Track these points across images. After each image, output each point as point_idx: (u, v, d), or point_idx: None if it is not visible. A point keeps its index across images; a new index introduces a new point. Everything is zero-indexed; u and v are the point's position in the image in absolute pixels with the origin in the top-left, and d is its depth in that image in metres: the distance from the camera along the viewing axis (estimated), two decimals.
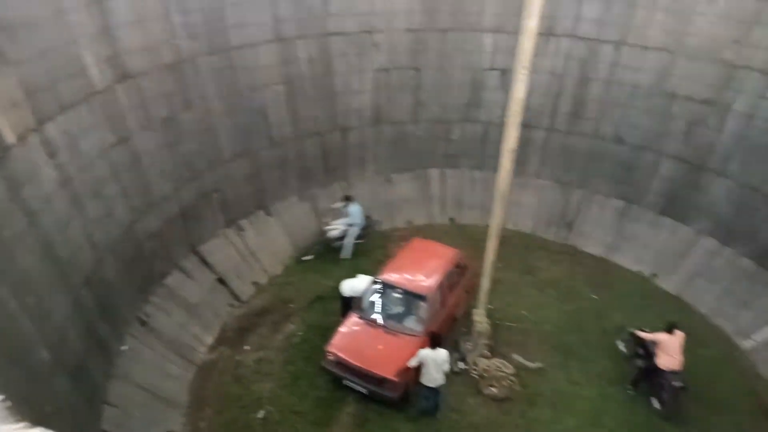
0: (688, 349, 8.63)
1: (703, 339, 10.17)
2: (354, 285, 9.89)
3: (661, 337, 8.61)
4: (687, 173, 11.58)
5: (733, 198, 10.92)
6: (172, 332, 9.48)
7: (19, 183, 6.65)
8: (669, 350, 8.51)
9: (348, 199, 12.30)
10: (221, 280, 10.87)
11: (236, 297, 10.95)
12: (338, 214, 12.41)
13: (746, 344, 10.16)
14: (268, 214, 12.39)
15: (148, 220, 9.58)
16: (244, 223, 11.90)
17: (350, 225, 12.21)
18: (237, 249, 11.48)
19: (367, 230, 12.56)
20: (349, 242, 12.24)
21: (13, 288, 6.03)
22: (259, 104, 11.47)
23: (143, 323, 9.12)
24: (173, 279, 10.11)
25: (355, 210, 12.20)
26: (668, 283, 11.62)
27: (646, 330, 9.29)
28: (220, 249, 11.19)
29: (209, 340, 10.02)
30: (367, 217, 12.54)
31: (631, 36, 11.41)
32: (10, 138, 6.62)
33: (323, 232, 12.36)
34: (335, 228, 12.20)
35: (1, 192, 6.28)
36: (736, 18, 10.09)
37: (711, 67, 10.68)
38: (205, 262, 10.81)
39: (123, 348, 8.47)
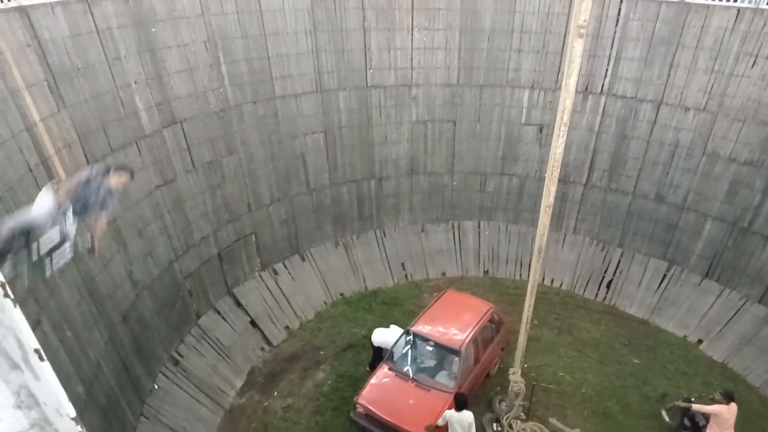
0: (738, 424, 8.08)
1: (756, 414, 9.53)
2: (385, 335, 9.72)
3: (719, 409, 8.02)
4: (732, 236, 11.22)
5: None
6: (204, 374, 9.43)
7: None
8: (723, 424, 7.94)
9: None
10: (254, 323, 10.86)
11: (268, 341, 10.90)
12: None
13: None
14: (303, 258, 12.46)
15: (186, 260, 9.73)
16: (279, 266, 11.99)
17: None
18: (271, 292, 11.52)
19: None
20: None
21: (53, 322, 6.13)
22: (299, 151, 11.77)
23: (176, 362, 9.12)
24: (208, 319, 10.15)
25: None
26: (714, 351, 11.07)
27: (694, 399, 8.76)
28: (255, 292, 11.25)
29: (239, 383, 9.93)
30: None
31: (670, 96, 11.39)
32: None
33: None
34: None
35: None
36: None
37: (753, 129, 10.52)
38: (239, 303, 10.85)
39: (155, 387, 8.45)
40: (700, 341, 11.32)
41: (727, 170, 11.04)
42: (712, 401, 8.33)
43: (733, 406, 8.01)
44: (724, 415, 7.96)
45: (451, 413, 7.74)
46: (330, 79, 11.61)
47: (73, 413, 1.77)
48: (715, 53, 10.59)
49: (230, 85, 10.20)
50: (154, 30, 8.65)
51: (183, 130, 9.49)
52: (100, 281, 7.45)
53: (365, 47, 11.67)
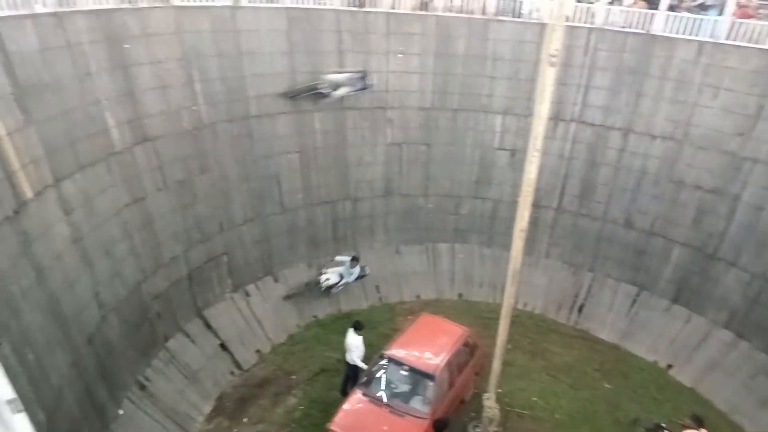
0: None
1: None
2: (346, 343, 9.62)
3: None
4: (698, 262, 11.50)
5: (746, 289, 10.77)
6: (171, 399, 9.11)
7: (32, 238, 6.64)
8: None
9: (355, 259, 12.70)
10: (224, 346, 10.58)
11: (238, 365, 10.61)
12: (337, 264, 12.74)
13: None
14: (276, 280, 12.25)
15: (155, 281, 9.47)
16: (251, 288, 11.76)
17: (343, 278, 12.59)
18: (242, 314, 11.26)
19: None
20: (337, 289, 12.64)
21: (14, 344, 5.85)
22: (273, 171, 11.67)
23: (142, 387, 8.81)
24: (176, 342, 9.85)
25: (355, 271, 12.71)
26: (683, 375, 11.23)
27: (665, 425, 8.84)
28: (226, 314, 10.98)
29: (207, 409, 9.62)
30: (362, 268, 12.94)
31: (638, 124, 11.72)
32: (28, 193, 6.68)
33: (316, 278, 12.53)
34: (329, 276, 12.41)
35: (13, 246, 6.26)
36: (739, 112, 10.38)
37: (717, 158, 10.88)
38: (209, 326, 10.56)
39: (120, 413, 8.10)
40: (669, 366, 11.47)
41: (693, 197, 11.36)
42: (683, 426, 8.39)
43: (703, 430, 8.10)
44: None
45: None
46: (306, 99, 11.60)
47: None
48: (679, 84, 10.97)
49: (204, 104, 10.10)
50: (126, 46, 8.53)
51: (155, 147, 9.32)
52: (65, 302, 7.17)
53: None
